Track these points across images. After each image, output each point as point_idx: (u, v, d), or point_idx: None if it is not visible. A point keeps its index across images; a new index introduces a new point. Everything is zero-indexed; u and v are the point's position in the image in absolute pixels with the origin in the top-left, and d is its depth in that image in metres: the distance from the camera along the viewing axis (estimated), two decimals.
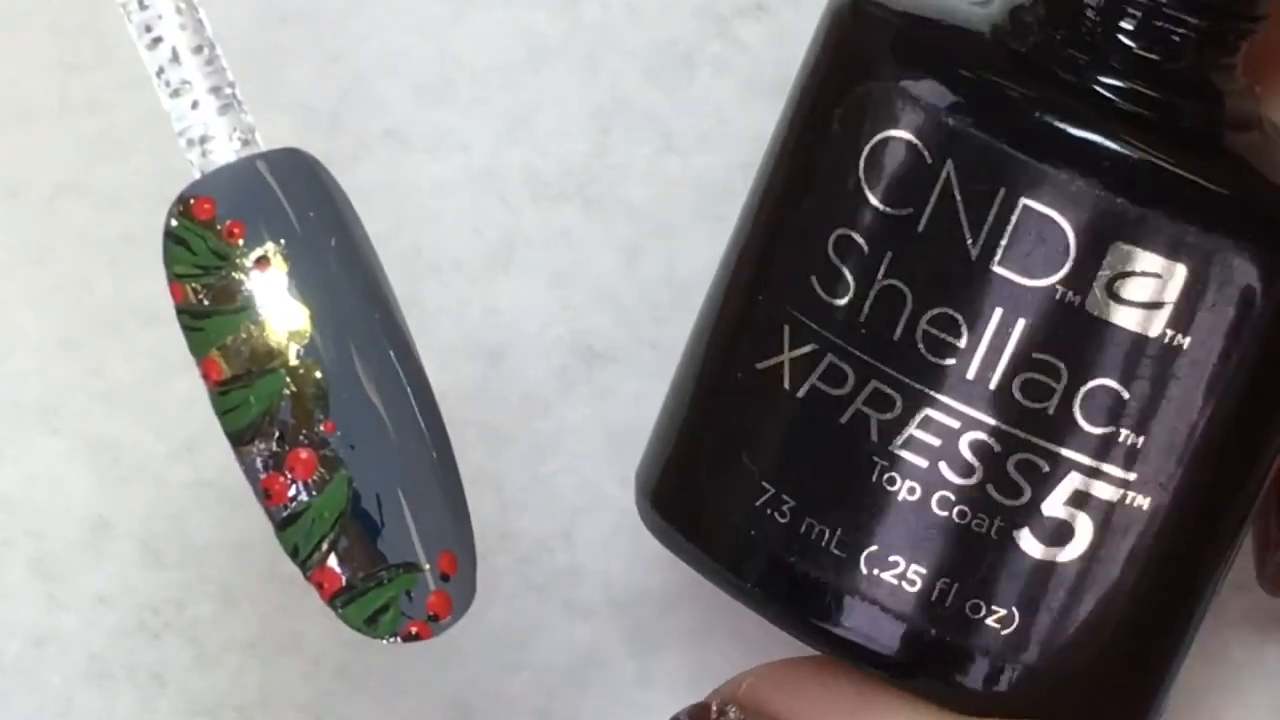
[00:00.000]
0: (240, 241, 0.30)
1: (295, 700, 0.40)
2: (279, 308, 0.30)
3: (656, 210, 0.40)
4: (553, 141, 0.40)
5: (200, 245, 0.31)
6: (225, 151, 0.31)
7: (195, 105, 0.31)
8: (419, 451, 0.31)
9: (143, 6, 0.31)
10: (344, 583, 0.30)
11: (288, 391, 0.30)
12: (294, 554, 0.30)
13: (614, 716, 0.41)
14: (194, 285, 0.31)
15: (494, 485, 0.40)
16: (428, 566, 0.31)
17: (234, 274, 0.30)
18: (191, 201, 0.31)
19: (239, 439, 0.30)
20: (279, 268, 0.30)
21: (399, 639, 0.30)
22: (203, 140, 0.31)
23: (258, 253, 0.30)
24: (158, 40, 0.31)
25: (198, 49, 0.31)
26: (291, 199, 0.31)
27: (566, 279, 0.40)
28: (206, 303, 0.30)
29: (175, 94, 0.31)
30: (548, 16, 0.40)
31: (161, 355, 0.40)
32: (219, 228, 0.30)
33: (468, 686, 0.41)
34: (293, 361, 0.30)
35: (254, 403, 0.30)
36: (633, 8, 0.40)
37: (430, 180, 0.40)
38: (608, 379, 0.41)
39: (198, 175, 0.31)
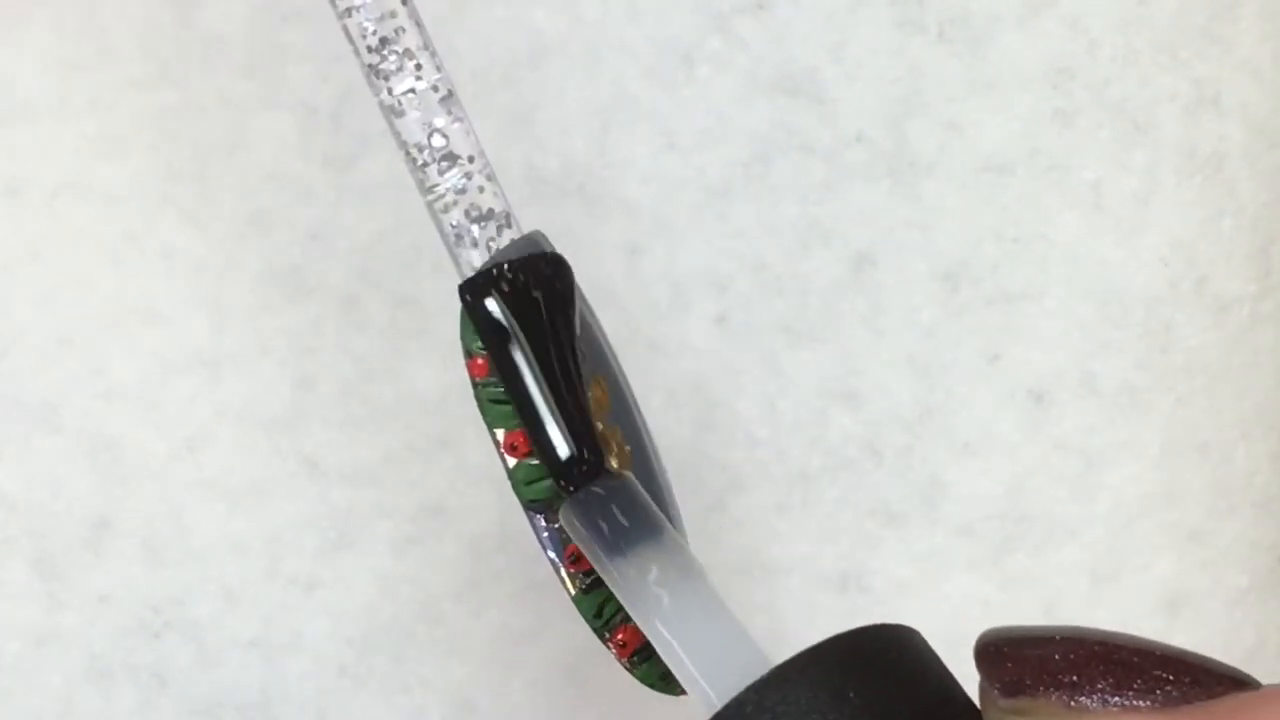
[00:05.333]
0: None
1: (296, 700, 0.40)
2: None
3: (656, 208, 0.40)
4: (553, 139, 0.40)
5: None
6: (477, 260, 0.32)
7: (446, 209, 0.32)
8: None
9: (398, 111, 0.31)
10: (640, 643, 0.32)
11: None
12: (596, 616, 0.32)
13: (614, 715, 0.41)
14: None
15: (494, 484, 0.40)
16: None
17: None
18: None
19: (539, 509, 0.32)
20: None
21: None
22: (457, 244, 0.32)
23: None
24: (414, 151, 0.32)
25: (453, 154, 0.32)
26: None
27: None
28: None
29: (430, 190, 0.32)
30: (547, 14, 0.40)
31: (162, 355, 0.40)
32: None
33: (469, 684, 0.41)
34: None
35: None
36: (632, 5, 0.40)
37: None
38: None
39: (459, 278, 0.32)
